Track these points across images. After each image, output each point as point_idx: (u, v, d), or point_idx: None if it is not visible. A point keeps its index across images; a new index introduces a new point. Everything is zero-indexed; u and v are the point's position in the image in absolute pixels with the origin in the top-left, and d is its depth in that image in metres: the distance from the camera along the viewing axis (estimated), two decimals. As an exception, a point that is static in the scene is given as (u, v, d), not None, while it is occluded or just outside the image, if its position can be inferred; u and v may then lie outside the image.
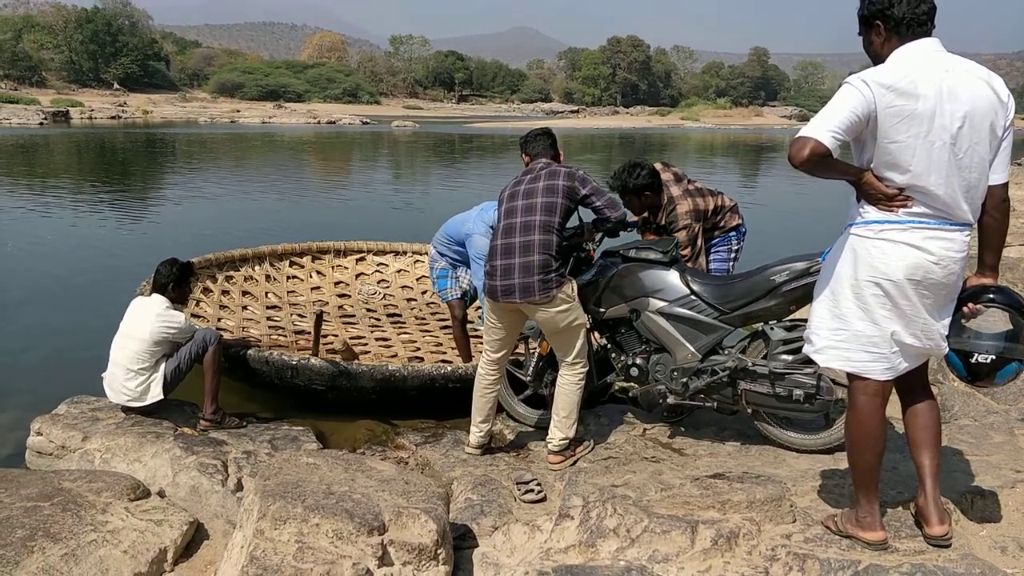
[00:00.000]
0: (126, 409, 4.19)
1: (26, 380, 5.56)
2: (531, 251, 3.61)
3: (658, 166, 4.55)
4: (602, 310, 4.01)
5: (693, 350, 3.85)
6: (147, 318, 4.17)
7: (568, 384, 3.84)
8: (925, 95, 2.30)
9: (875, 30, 2.47)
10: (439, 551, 2.62)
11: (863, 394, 2.54)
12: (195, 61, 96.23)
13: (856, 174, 2.42)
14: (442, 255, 5.35)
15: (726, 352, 3.84)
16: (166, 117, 53.98)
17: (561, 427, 3.86)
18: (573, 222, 3.92)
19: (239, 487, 3.58)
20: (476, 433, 4.05)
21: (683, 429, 4.18)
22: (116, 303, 4.71)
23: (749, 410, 3.78)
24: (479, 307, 5.52)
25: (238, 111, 61.00)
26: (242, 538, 2.65)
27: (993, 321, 2.52)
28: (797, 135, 2.33)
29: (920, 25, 2.40)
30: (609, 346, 4.12)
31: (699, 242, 4.43)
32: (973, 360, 2.53)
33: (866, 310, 2.46)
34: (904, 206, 2.39)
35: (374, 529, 2.56)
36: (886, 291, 2.42)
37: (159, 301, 4.25)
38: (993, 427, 3.84)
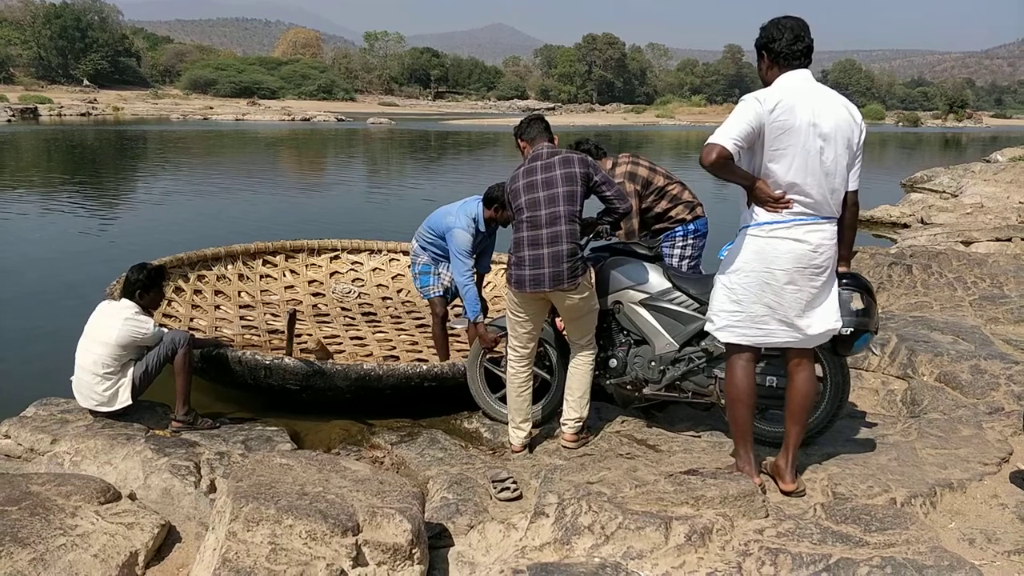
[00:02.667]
0: (95, 413, 4.13)
1: (-7, 382, 5.46)
2: (559, 241, 3.71)
3: (624, 156, 4.77)
4: None
5: (671, 340, 3.90)
6: (114, 322, 4.11)
7: (583, 365, 3.97)
8: (801, 114, 2.84)
9: (762, 59, 3.04)
10: (414, 551, 2.62)
11: (740, 360, 3.12)
12: (167, 57, 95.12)
13: (751, 180, 2.95)
14: (424, 249, 5.19)
15: (704, 343, 3.89)
16: (137, 114, 53.30)
17: (576, 407, 3.99)
18: None
19: (212, 489, 3.54)
20: (519, 434, 4.07)
21: (657, 425, 4.21)
22: (86, 304, 4.64)
23: (723, 401, 3.81)
24: (456, 305, 5.50)
25: (211, 108, 60.38)
26: (214, 540, 2.62)
27: (849, 301, 3.16)
28: (706, 142, 2.86)
29: (795, 59, 2.96)
30: None
31: (634, 203, 4.61)
32: (838, 332, 3.11)
33: (759, 295, 3.00)
34: (787, 207, 2.92)
35: (348, 530, 2.55)
36: (778, 279, 2.96)
37: (127, 305, 4.18)
38: (961, 421, 3.90)
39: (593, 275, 3.93)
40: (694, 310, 3.88)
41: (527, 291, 3.78)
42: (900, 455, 3.46)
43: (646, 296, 3.98)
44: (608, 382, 4.12)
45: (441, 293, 5.20)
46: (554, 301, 3.83)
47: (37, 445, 3.86)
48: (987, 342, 4.99)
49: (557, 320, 4.13)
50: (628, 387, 4.04)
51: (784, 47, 2.94)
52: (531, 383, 4.07)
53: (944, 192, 15.78)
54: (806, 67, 2.98)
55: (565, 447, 4.00)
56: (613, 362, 4.05)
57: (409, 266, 5.56)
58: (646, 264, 4.06)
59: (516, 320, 3.95)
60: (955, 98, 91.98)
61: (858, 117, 2.99)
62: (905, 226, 12.36)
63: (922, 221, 12.33)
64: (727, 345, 3.17)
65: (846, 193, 3.02)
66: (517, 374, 4.02)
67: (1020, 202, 13.03)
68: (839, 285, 3.12)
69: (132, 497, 3.42)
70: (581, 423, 4.02)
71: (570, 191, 3.75)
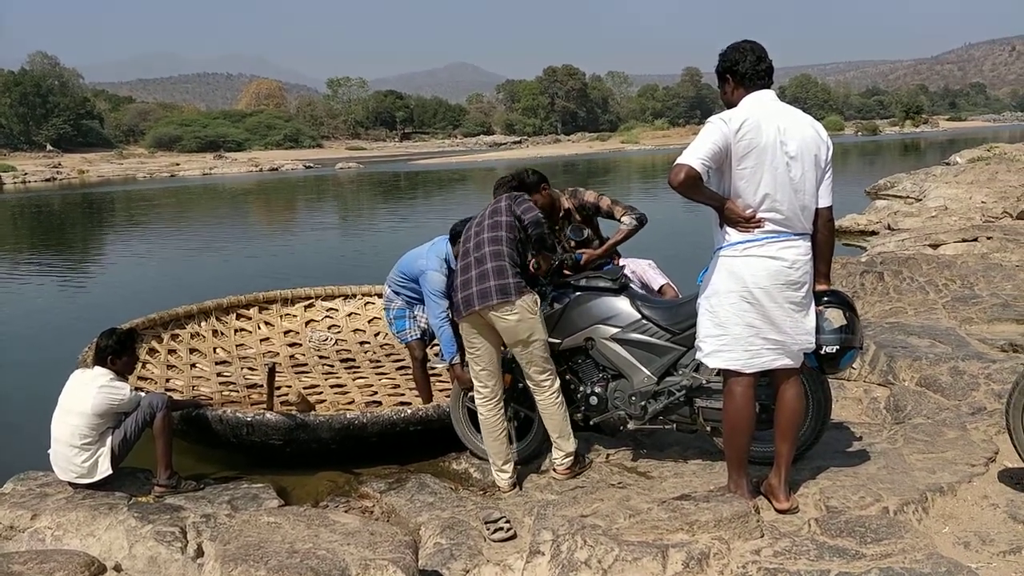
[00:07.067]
0: (75, 485, 4.04)
1: (-32, 460, 5.32)
2: (484, 261, 3.80)
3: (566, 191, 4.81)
4: (557, 341, 4.02)
5: (649, 373, 3.87)
6: (89, 391, 4.03)
7: (549, 404, 3.92)
8: (767, 132, 2.89)
9: (727, 82, 3.09)
10: (410, 601, 2.57)
11: (739, 387, 3.08)
12: (130, 117, 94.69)
13: (720, 200, 2.98)
14: (398, 294, 5.16)
15: (681, 372, 3.87)
16: (103, 176, 52.97)
17: (560, 445, 3.98)
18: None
19: (200, 553, 3.47)
20: (503, 476, 4.01)
21: (647, 452, 4.19)
22: (59, 372, 4.55)
23: (708, 428, 3.80)
24: (436, 344, 5.46)
25: (177, 164, 60.16)
26: (204, 608, 2.56)
27: (832, 319, 3.11)
28: (674, 163, 2.88)
29: (760, 79, 3.03)
30: (568, 377, 4.12)
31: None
32: (822, 352, 3.11)
33: (741, 316, 3.00)
34: (759, 226, 2.94)
35: (341, 585, 2.50)
36: (757, 298, 2.97)
37: (101, 372, 4.11)
38: (946, 423, 3.93)
39: (537, 300, 3.85)
40: (667, 340, 3.87)
41: (463, 313, 3.83)
42: (889, 463, 3.47)
43: (617, 330, 3.94)
44: (592, 421, 4.09)
45: (419, 336, 5.17)
46: (495, 326, 3.81)
47: (17, 522, 3.76)
48: (963, 343, 5.05)
49: None
50: (613, 420, 4.01)
51: (749, 68, 3.01)
52: (504, 424, 4.01)
53: (908, 197, 16.06)
54: (769, 87, 3.05)
55: (557, 479, 3.97)
56: (593, 399, 4.01)
57: (384, 311, 5.52)
58: (612, 297, 4.02)
59: (471, 356, 3.94)
60: (910, 104, 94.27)
61: (824, 134, 3.05)
62: (873, 233, 12.53)
63: (889, 227, 12.51)
64: (723, 372, 3.14)
65: (820, 209, 3.05)
66: (487, 417, 3.97)
67: (982, 202, 13.28)
68: (821, 303, 3.13)
69: (118, 569, 3.34)
70: (571, 457, 3.99)
71: (493, 223, 3.90)
